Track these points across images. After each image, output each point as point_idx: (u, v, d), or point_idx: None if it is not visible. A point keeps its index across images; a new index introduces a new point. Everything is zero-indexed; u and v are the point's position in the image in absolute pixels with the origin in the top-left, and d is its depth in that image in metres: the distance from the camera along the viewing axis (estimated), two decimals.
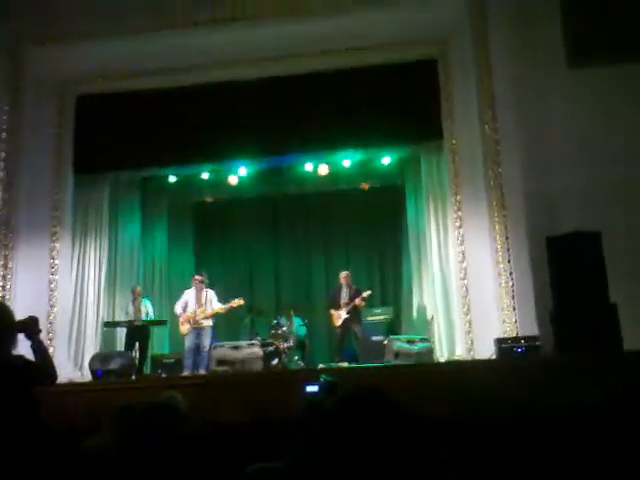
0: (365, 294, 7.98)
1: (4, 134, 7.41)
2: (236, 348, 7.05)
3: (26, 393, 2.34)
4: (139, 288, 8.14)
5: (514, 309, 6.49)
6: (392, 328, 8.03)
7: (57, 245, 7.50)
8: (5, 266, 7.20)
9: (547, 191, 6.70)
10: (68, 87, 7.74)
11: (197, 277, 7.89)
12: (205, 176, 9.06)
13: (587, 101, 6.85)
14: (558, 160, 6.73)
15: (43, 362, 2.48)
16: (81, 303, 7.91)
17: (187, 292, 7.89)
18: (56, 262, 7.46)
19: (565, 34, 7.03)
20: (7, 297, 7.03)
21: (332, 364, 7.37)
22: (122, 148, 7.63)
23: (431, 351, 6.90)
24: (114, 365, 6.84)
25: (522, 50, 6.95)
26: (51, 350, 6.98)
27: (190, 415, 3.62)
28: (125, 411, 3.04)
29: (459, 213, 7.14)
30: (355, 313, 7.99)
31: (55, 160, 7.59)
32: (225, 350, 7.05)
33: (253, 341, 7.43)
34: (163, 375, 7.25)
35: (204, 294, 7.78)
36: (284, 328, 8.19)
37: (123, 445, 1.67)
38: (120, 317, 8.14)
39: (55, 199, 7.53)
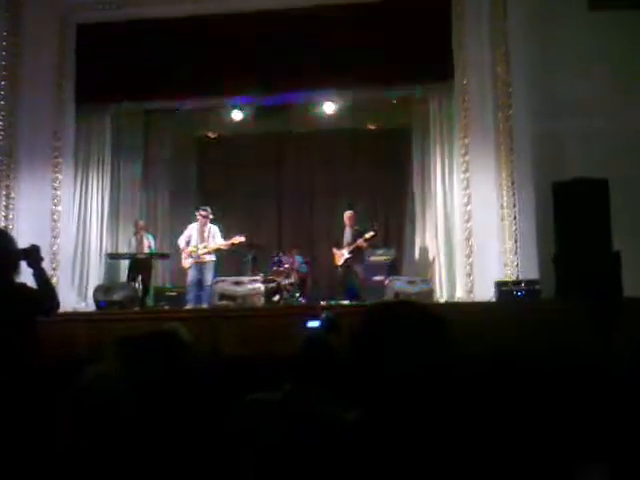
0: (368, 235, 7.98)
1: (4, 62, 7.23)
2: (238, 283, 7.13)
3: (28, 320, 2.37)
4: (142, 222, 8.15)
5: (516, 253, 6.51)
6: (393, 269, 8.08)
7: (59, 176, 7.44)
8: (7, 196, 7.19)
9: (556, 136, 6.61)
10: (68, 15, 7.49)
11: (201, 212, 7.87)
12: (209, 111, 8.87)
13: (604, 45, 6.63)
14: (570, 105, 6.59)
15: (45, 290, 2.49)
16: (84, 235, 7.92)
17: (190, 226, 7.89)
18: (58, 193, 7.43)
19: None
20: (10, 227, 7.04)
21: (332, 302, 7.45)
22: (124, 78, 7.45)
23: (431, 292, 6.96)
24: (118, 296, 6.93)
25: None
26: (55, 281, 7.05)
27: (193, 346, 3.69)
28: (126, 340, 3.09)
29: (466, 157, 7.05)
30: (357, 253, 8.02)
31: (56, 90, 7.43)
32: (227, 285, 7.13)
33: (255, 277, 7.50)
34: (166, 307, 7.35)
35: (207, 229, 7.79)
36: (286, 265, 8.25)
37: (125, 373, 1.68)
38: (123, 250, 8.18)
39: (56, 129, 7.41)
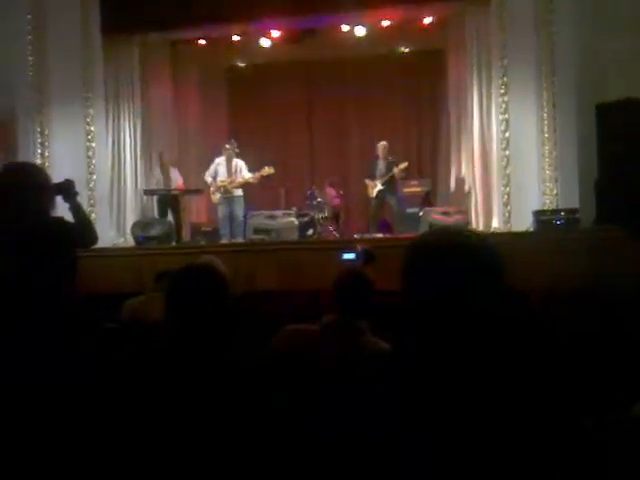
0: (402, 165, 7.82)
1: None
2: (272, 217, 7.14)
3: (67, 254, 2.40)
4: (165, 156, 7.94)
5: (556, 181, 6.31)
6: (428, 200, 7.96)
7: (91, 111, 7.42)
8: (42, 133, 7.23)
9: (600, 55, 6.21)
10: None
11: (227, 145, 7.80)
12: (237, 39, 8.60)
13: None
14: (615, 24, 6.16)
15: (82, 223, 2.51)
16: (119, 170, 7.97)
17: (217, 160, 7.80)
18: (92, 129, 7.43)
19: None
20: (46, 165, 7.12)
21: (367, 235, 7.43)
22: (149, 8, 7.26)
23: (467, 224, 6.85)
24: (155, 232, 7.04)
25: None
26: (93, 217, 7.17)
27: (230, 280, 3.73)
28: (165, 274, 3.14)
29: (504, 79, 6.75)
30: (391, 184, 7.89)
31: (82, 21, 7.28)
32: (261, 219, 7.16)
33: (289, 211, 7.49)
34: (202, 242, 7.44)
35: (234, 163, 7.72)
36: (319, 199, 8.20)
37: (164, 306, 1.70)
38: (152, 184, 8.10)
39: (85, 62, 7.32)
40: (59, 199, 2.55)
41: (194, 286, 1.69)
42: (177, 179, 7.85)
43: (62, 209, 2.61)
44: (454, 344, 1.11)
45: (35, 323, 2.21)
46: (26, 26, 7.12)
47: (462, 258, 1.11)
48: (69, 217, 2.56)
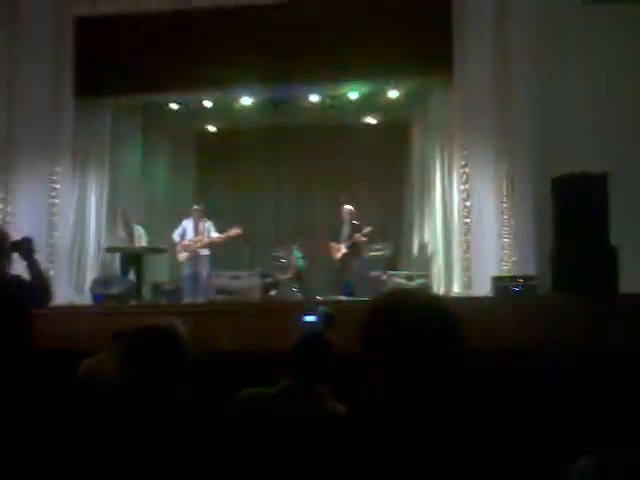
0: (366, 230, 7.96)
1: (2, 57, 7.20)
2: (235, 278, 7.12)
3: (21, 312, 2.36)
4: (130, 212, 7.94)
5: (514, 249, 6.51)
6: (391, 264, 8.07)
7: (58, 169, 7.42)
8: (6, 189, 7.16)
9: (555, 132, 6.58)
10: (65, 7, 7.45)
11: (195, 206, 7.89)
12: (208, 105, 8.81)
13: (605, 37, 6.63)
14: (571, 100, 6.57)
15: (38, 282, 2.48)
16: (82, 228, 7.87)
17: (185, 221, 7.91)
18: (57, 187, 7.40)
19: None
20: (8, 220, 7.03)
21: (330, 297, 7.44)
22: (122, 72, 7.41)
23: (429, 287, 6.95)
24: (115, 290, 6.91)
25: None
26: (52, 274, 7.04)
27: (189, 341, 3.68)
28: (123, 335, 3.09)
29: (465, 152, 7.03)
30: (355, 248, 8.00)
31: (55, 83, 7.41)
32: (224, 279, 7.12)
33: (252, 272, 7.48)
34: (163, 301, 7.33)
35: (201, 225, 7.79)
36: (283, 260, 8.23)
37: (120, 367, 1.68)
38: (114, 242, 8.01)
39: (55, 123, 7.38)
40: (17, 256, 2.52)
41: (150, 347, 1.68)
42: (142, 237, 7.81)
43: (20, 266, 2.58)
44: (410, 406, 1.13)
45: None
46: None
47: (421, 319, 1.14)
48: (26, 274, 2.53)
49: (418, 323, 1.14)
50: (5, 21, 7.24)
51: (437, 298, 1.22)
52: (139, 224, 7.93)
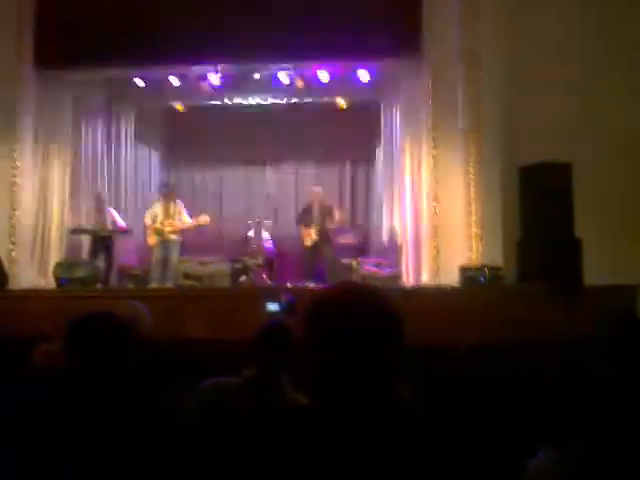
0: (336, 215, 7.92)
1: None
2: (203, 264, 7.03)
3: None
4: (103, 195, 7.88)
5: (481, 238, 6.55)
6: (361, 251, 8.07)
7: (18, 146, 7.16)
8: None
9: (524, 119, 6.59)
10: None
11: (163, 189, 7.75)
12: (174, 81, 8.59)
13: (576, 25, 6.65)
14: (540, 85, 6.58)
15: None
16: (45, 208, 7.63)
17: (157, 204, 7.75)
18: (17, 164, 7.15)
19: None
20: None
21: (298, 284, 7.42)
22: (85, 44, 7.11)
23: (399, 276, 6.99)
24: (79, 273, 6.77)
25: None
26: (14, 255, 6.86)
27: (154, 326, 3.61)
28: (72, 321, 3.03)
29: (433, 134, 6.99)
30: (325, 234, 7.96)
31: (14, 55, 7.09)
32: (192, 265, 7.04)
33: (221, 257, 7.41)
34: (129, 286, 7.22)
35: (172, 206, 7.65)
36: (253, 245, 8.17)
37: (68, 355, 1.64)
38: (85, 225, 7.90)
39: (14, 97, 7.10)
40: None
41: (90, 334, 1.64)
42: (115, 220, 7.68)
43: None
44: (346, 401, 1.13)
45: None
46: None
47: (356, 315, 1.13)
48: None
49: (353, 318, 1.13)
50: None
51: (379, 293, 1.21)
52: (110, 207, 7.81)
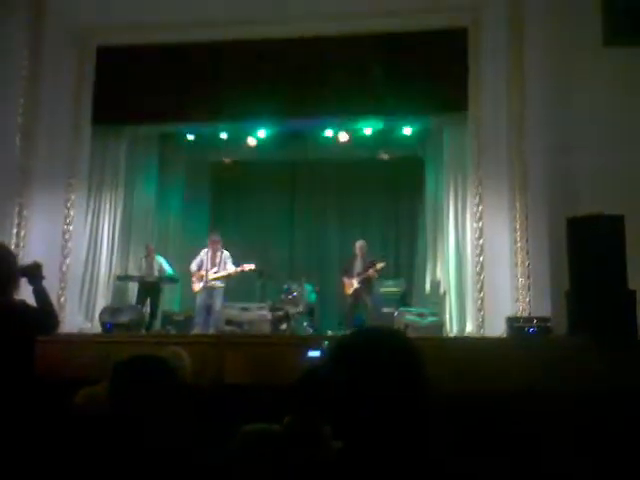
0: (379, 265, 7.90)
1: (24, 82, 7.37)
2: (245, 309, 7.07)
3: (25, 339, 2.32)
4: (152, 245, 8.15)
5: (528, 289, 6.40)
6: (403, 300, 7.98)
7: (72, 196, 7.47)
8: (20, 214, 7.23)
9: (571, 171, 6.56)
10: (88, 37, 7.62)
11: (213, 237, 7.92)
12: (224, 136, 8.92)
13: (620, 82, 6.63)
14: (585, 139, 6.56)
15: (44, 308, 2.45)
16: (94, 255, 7.90)
17: (204, 251, 7.93)
18: (71, 213, 7.45)
19: (604, 10, 6.77)
20: (21, 245, 7.08)
21: (340, 332, 7.35)
22: (141, 102, 7.52)
23: (441, 326, 6.85)
24: (124, 318, 6.91)
25: (557, 24, 6.71)
26: (62, 300, 7.06)
27: (194, 372, 3.61)
28: (118, 364, 3.05)
29: (479, 189, 6.99)
30: (367, 283, 7.94)
31: (74, 110, 7.51)
32: (234, 311, 7.08)
33: (262, 304, 7.43)
34: (172, 331, 7.29)
35: (219, 255, 7.81)
36: (294, 294, 8.18)
37: (113, 396, 1.64)
38: (133, 272, 8.17)
39: (72, 149, 7.47)
40: (24, 281, 2.50)
41: (136, 378, 1.64)
42: (162, 267, 7.89)
43: (28, 291, 2.57)
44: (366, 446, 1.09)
45: None
46: (18, 108, 7.34)
47: (380, 360, 1.13)
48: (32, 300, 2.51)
49: (377, 363, 1.13)
50: (29, 48, 7.43)
51: (404, 338, 1.21)
52: (159, 255, 8.05)
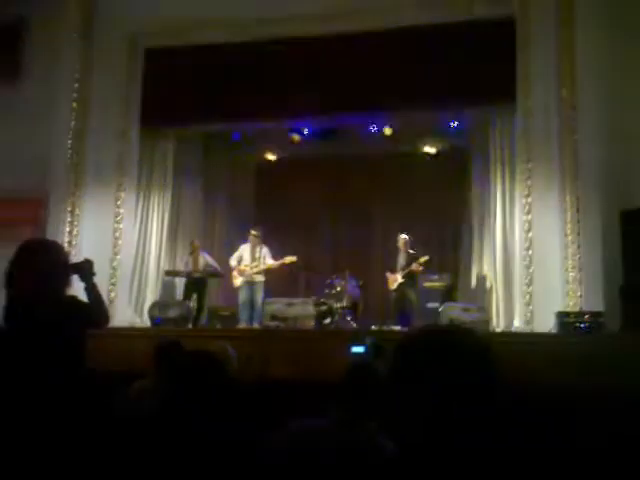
0: (422, 259, 7.81)
1: (75, 84, 7.59)
2: (290, 305, 7.10)
3: (76, 333, 2.40)
4: (197, 242, 8.28)
5: (580, 283, 6.20)
6: (448, 295, 7.86)
7: (122, 195, 7.68)
8: (72, 212, 7.47)
9: (625, 162, 6.31)
10: (137, 39, 7.79)
11: (253, 232, 8.00)
12: (268, 134, 9.00)
13: None
14: (637, 131, 6.30)
15: (95, 304, 2.52)
16: (144, 252, 8.12)
17: (243, 246, 8.03)
18: (121, 211, 7.65)
19: None
20: (73, 243, 7.32)
21: (384, 327, 7.31)
22: (188, 103, 7.68)
23: (487, 321, 6.72)
24: (172, 313, 7.06)
25: (611, 12, 6.46)
26: (113, 296, 7.27)
27: (240, 366, 3.65)
28: (163, 352, 3.11)
29: (528, 182, 6.80)
30: (411, 278, 7.86)
31: (123, 111, 7.71)
32: (279, 306, 7.12)
33: (307, 299, 7.46)
34: (218, 326, 7.41)
35: (258, 249, 7.89)
36: (338, 288, 8.17)
37: (162, 390, 1.67)
38: (180, 269, 8.34)
39: (122, 150, 7.67)
40: (76, 278, 2.58)
41: (193, 371, 1.66)
42: (208, 262, 8.00)
43: (79, 288, 2.64)
44: (436, 446, 1.06)
45: (42, 399, 2.18)
46: (70, 111, 7.57)
47: (451, 358, 1.08)
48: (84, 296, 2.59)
49: (447, 361, 1.08)
50: (79, 51, 7.65)
51: (477, 337, 1.15)
52: (204, 251, 8.19)
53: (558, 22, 6.68)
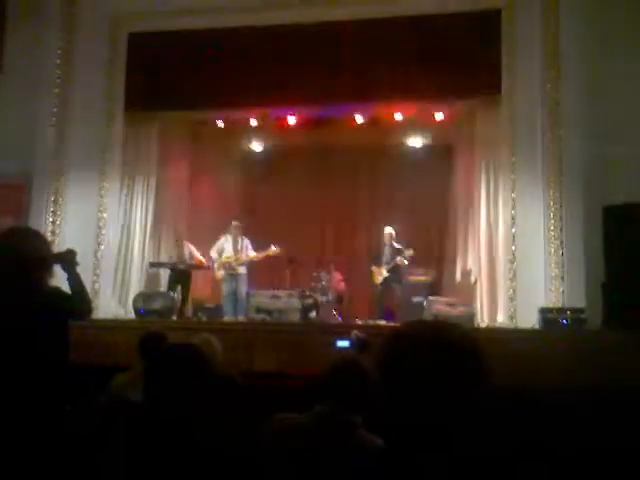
0: (407, 253, 7.84)
1: (56, 69, 7.47)
2: (275, 297, 7.10)
3: (58, 324, 2.36)
4: (182, 232, 8.21)
5: (562, 279, 6.27)
6: (433, 290, 7.90)
7: (106, 184, 7.59)
8: (55, 202, 7.37)
9: (608, 158, 6.37)
10: (120, 24, 7.70)
11: (234, 223, 7.97)
12: (253, 123, 8.93)
13: None
14: (621, 127, 6.37)
15: (78, 295, 2.48)
16: (128, 242, 8.02)
17: (224, 238, 7.99)
18: (105, 200, 7.57)
19: None
20: (57, 232, 7.22)
21: (369, 321, 7.33)
22: (172, 88, 7.58)
23: (472, 316, 6.76)
24: (157, 305, 7.02)
25: (596, 7, 6.49)
26: (97, 287, 7.20)
27: (225, 359, 3.63)
28: (148, 344, 3.10)
29: (512, 176, 6.85)
30: (396, 272, 7.88)
31: (106, 96, 7.61)
32: (264, 298, 7.12)
33: (292, 292, 7.45)
34: (203, 318, 7.37)
35: (239, 241, 7.87)
36: (324, 282, 8.17)
37: (146, 383, 1.66)
38: (165, 259, 8.27)
39: (105, 136, 7.58)
40: (58, 268, 2.54)
41: (173, 364, 1.65)
42: (193, 254, 7.95)
43: (62, 278, 2.61)
44: (428, 440, 1.07)
45: (22, 391, 2.16)
46: (52, 97, 7.45)
47: (440, 353, 1.08)
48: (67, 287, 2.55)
49: (436, 356, 1.08)
50: (62, 35, 7.53)
51: (459, 329, 1.15)
52: (187, 242, 8.13)
53: (544, 17, 6.72)
